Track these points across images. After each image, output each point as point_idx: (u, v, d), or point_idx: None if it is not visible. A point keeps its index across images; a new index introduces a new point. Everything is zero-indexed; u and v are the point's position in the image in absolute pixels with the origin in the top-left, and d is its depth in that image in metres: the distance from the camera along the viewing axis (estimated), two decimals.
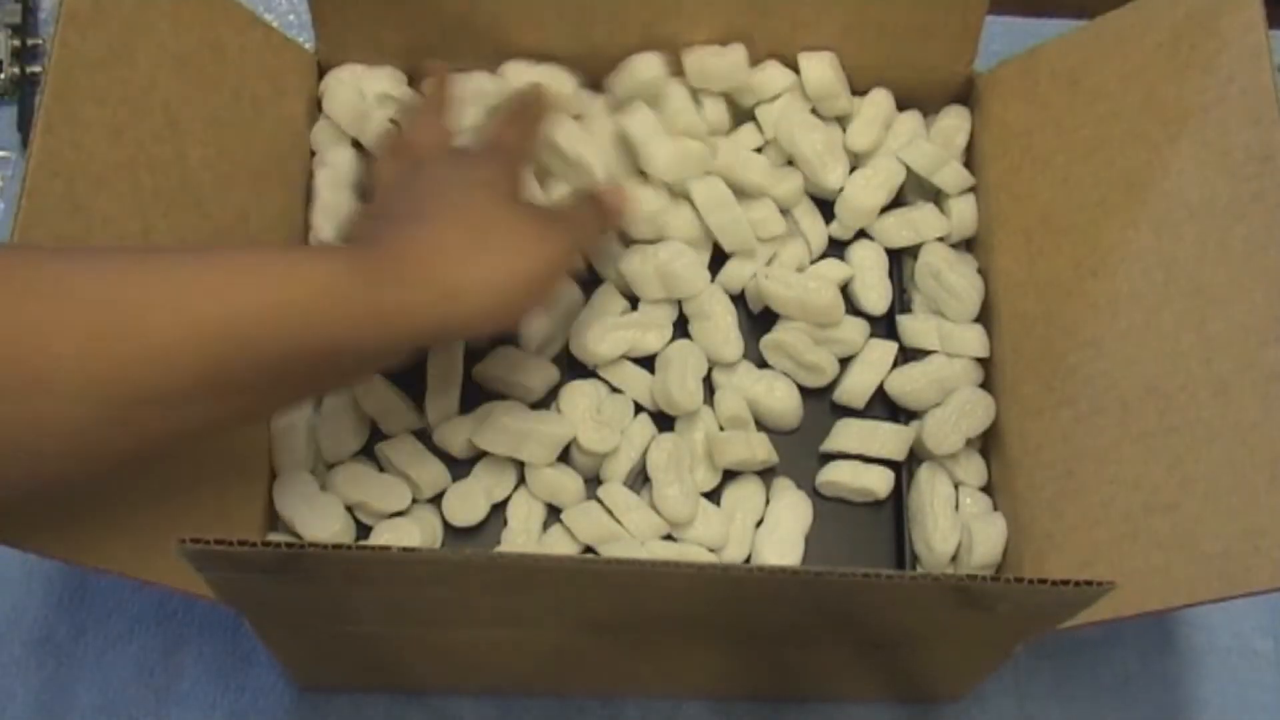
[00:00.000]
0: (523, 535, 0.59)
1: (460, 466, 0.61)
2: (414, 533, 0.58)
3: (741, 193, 0.64)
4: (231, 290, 0.45)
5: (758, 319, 0.65)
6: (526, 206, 0.55)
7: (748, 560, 0.60)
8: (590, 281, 0.64)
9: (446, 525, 0.60)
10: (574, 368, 0.63)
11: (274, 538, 0.58)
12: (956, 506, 0.61)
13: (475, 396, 0.62)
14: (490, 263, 0.50)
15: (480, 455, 0.61)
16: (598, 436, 0.60)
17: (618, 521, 0.59)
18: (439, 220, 0.51)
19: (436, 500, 0.60)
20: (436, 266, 0.49)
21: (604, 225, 0.60)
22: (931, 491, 0.60)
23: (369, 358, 0.51)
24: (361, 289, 0.47)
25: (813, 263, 0.65)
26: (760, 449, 0.60)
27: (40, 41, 0.71)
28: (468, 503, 0.60)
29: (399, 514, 0.59)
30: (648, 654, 0.55)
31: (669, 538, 0.60)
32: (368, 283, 0.47)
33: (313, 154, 0.65)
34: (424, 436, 0.61)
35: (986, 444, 0.63)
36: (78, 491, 0.47)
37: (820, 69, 0.65)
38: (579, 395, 0.61)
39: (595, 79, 0.67)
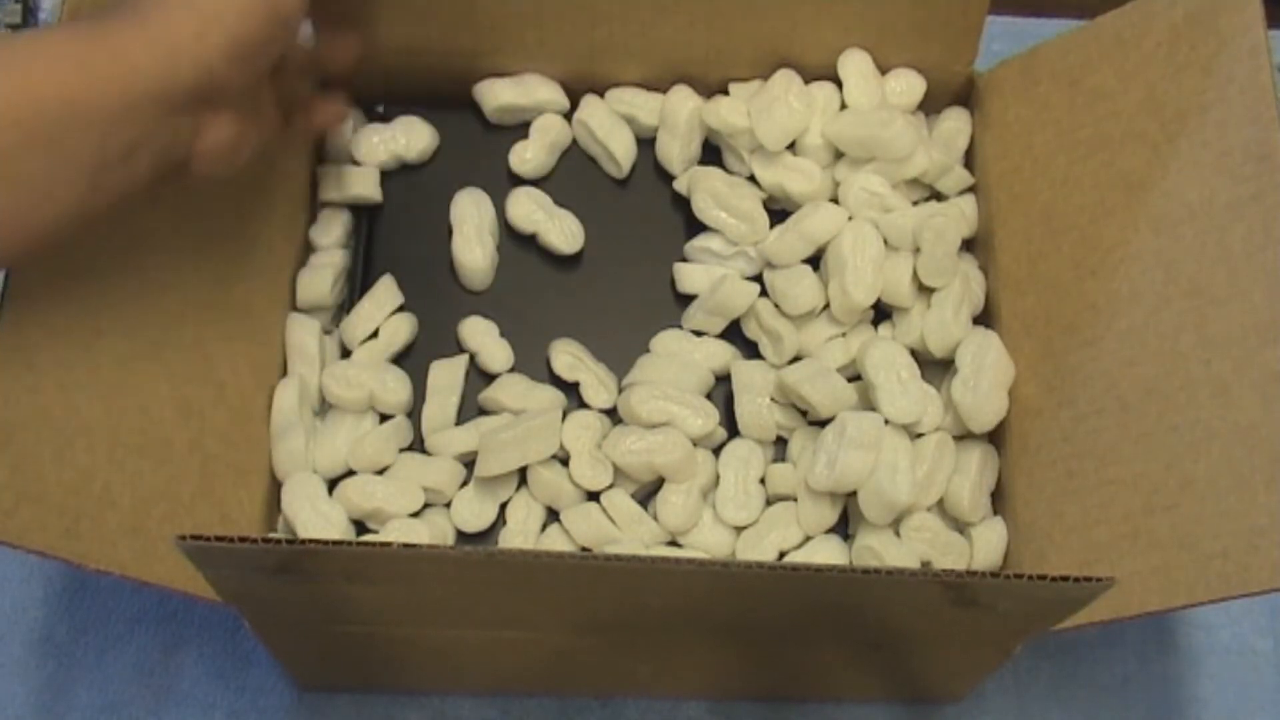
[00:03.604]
0: (520, 536, 0.59)
1: None
2: (423, 534, 0.58)
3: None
4: None
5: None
6: None
7: None
8: None
9: (458, 531, 0.60)
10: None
11: (274, 536, 0.58)
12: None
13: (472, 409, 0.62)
14: None
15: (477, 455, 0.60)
16: (591, 474, 0.59)
17: (617, 527, 0.59)
18: None
19: (449, 505, 0.60)
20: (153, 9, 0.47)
21: None
22: None
23: (124, 122, 0.46)
24: (81, 36, 0.45)
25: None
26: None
27: None
28: (477, 508, 0.60)
29: (409, 515, 0.59)
30: (648, 654, 0.55)
31: (671, 544, 0.60)
32: (85, 31, 0.46)
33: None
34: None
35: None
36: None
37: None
38: (581, 428, 0.60)
39: (595, 79, 0.67)
